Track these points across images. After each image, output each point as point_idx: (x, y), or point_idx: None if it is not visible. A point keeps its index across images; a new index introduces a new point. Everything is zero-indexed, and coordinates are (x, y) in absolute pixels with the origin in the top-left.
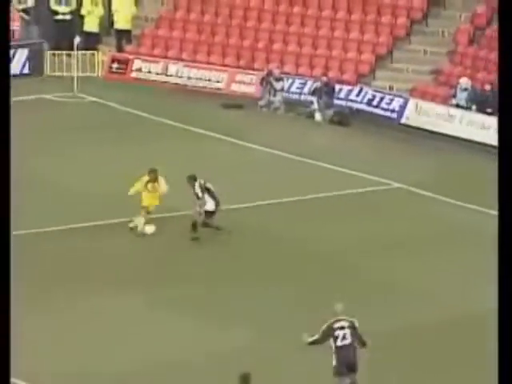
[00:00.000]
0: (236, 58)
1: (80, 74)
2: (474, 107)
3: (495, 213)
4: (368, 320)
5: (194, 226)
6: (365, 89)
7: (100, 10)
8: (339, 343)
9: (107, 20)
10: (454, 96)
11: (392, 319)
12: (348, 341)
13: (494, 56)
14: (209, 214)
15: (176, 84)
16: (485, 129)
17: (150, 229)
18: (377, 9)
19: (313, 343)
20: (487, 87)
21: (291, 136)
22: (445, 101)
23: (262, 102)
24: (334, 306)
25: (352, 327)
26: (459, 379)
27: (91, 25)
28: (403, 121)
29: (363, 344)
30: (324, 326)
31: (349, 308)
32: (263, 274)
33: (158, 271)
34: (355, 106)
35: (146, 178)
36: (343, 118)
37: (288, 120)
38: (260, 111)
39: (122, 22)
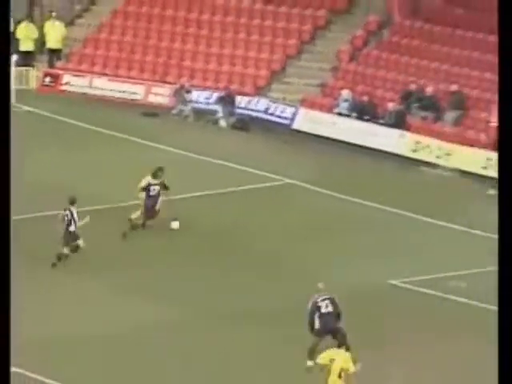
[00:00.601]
0: (152, 73)
1: (17, 87)
2: (354, 115)
3: (371, 204)
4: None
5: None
6: (262, 99)
7: (34, 32)
8: (323, 310)
9: (40, 41)
10: (337, 106)
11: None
12: (330, 309)
13: (370, 71)
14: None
15: (100, 96)
16: (362, 133)
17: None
18: (272, 31)
19: (311, 327)
20: (365, 98)
21: (200, 140)
22: (329, 110)
23: (174, 111)
24: (318, 284)
25: (332, 301)
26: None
27: (27, 45)
28: (294, 127)
29: (339, 316)
30: (309, 307)
31: (270, 286)
32: (184, 259)
33: (107, 258)
34: (254, 114)
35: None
36: (244, 125)
37: (197, 126)
38: (173, 119)
39: (53, 42)
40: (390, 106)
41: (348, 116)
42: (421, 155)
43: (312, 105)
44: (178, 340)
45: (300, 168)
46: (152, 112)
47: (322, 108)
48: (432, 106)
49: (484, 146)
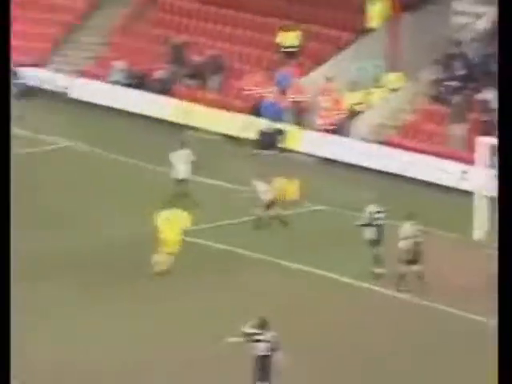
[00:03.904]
0: None
1: None
2: (126, 83)
3: (140, 163)
4: None
5: None
6: (41, 70)
7: None
8: None
9: None
10: (111, 75)
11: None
12: None
13: (139, 45)
14: None
15: None
16: (135, 101)
17: None
18: (50, 8)
19: None
20: (136, 68)
21: None
22: (104, 79)
23: None
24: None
25: None
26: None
27: None
28: (73, 96)
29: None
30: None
31: None
32: None
33: None
34: (34, 83)
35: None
36: (26, 93)
37: None
38: None
39: None
40: (158, 74)
41: (122, 85)
42: (186, 120)
43: (87, 75)
44: None
45: (78, 132)
46: None
47: (97, 78)
48: (197, 74)
49: (240, 111)
